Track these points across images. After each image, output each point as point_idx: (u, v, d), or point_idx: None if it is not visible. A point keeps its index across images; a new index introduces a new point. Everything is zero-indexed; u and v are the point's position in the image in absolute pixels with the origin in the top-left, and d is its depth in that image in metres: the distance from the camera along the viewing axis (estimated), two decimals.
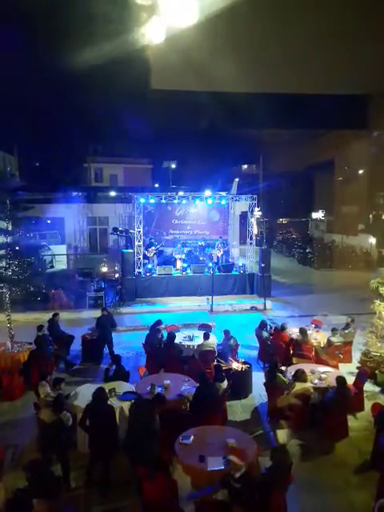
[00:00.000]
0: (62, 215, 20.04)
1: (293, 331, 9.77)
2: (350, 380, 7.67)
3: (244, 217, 17.34)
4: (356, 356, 9.46)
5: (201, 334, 9.31)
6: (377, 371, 8.55)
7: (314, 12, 13.30)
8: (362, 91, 21.71)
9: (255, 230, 16.90)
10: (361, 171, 26.22)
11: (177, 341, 8.96)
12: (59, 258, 17.49)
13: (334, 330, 9.20)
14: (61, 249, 18.41)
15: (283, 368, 7.88)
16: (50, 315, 10.30)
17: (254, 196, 16.71)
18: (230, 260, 17.19)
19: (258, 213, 17.88)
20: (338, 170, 29.07)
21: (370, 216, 25.09)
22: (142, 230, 15.59)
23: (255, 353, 9.83)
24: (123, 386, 7.04)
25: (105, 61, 10.81)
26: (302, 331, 9.17)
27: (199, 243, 17.33)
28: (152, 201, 15.87)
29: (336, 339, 9.00)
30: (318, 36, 14.95)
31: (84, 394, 6.63)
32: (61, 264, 17.51)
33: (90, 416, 5.67)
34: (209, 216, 17.95)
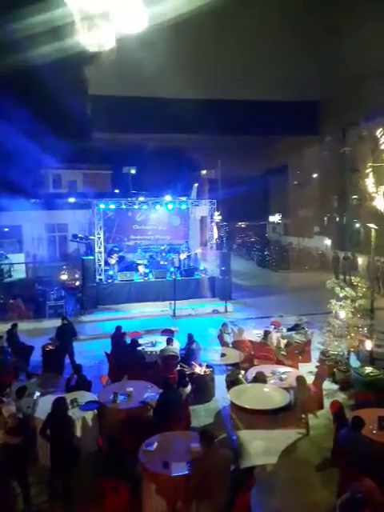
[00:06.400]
0: (19, 223, 19.46)
1: (252, 333, 10.02)
2: (310, 379, 7.90)
3: (204, 221, 17.53)
4: (315, 355, 9.69)
5: (164, 339, 9.32)
6: (335, 370, 8.76)
7: (266, 22, 13.76)
8: (311, 98, 22.64)
9: (215, 234, 17.12)
10: (314, 175, 27.07)
11: (139, 347, 8.95)
12: (17, 266, 16.90)
13: (291, 331, 9.50)
14: (19, 257, 17.82)
15: (242, 371, 7.98)
16: (8, 326, 9.99)
17: (214, 200, 16.96)
18: (192, 264, 17.31)
19: (217, 217, 18.12)
20: (292, 175, 29.85)
21: (325, 218, 25.95)
22: (102, 236, 15.40)
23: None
24: (85, 396, 6.95)
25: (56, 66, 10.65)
26: (266, 333, 9.39)
27: (161, 248, 17.33)
28: (112, 206, 15.71)
29: (295, 339, 9.31)
30: (270, 45, 15.47)
31: (44, 405, 6.48)
32: (19, 273, 16.90)
33: (51, 427, 5.55)
34: (169, 221, 17.97)
